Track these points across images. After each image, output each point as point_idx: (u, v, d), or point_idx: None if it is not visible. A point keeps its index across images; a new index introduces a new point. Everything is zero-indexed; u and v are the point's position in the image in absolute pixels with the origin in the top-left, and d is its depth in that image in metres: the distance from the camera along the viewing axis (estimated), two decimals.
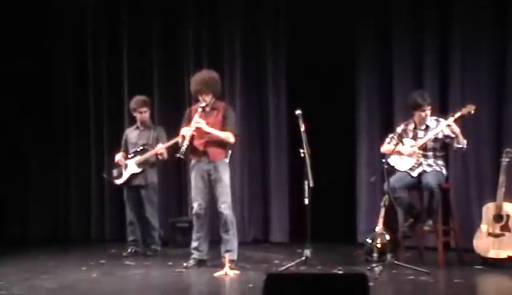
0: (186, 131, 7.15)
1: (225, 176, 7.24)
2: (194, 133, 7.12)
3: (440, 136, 7.20)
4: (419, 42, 8.41)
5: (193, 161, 7.29)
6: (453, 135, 7.10)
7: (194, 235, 7.35)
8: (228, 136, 7.22)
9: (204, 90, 7.21)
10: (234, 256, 7.20)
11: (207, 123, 7.17)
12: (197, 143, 7.20)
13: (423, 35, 8.39)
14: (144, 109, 8.41)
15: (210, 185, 7.23)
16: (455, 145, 7.14)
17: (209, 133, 7.15)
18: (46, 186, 10.32)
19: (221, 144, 7.24)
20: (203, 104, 7.21)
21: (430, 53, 8.32)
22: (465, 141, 7.12)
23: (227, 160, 7.30)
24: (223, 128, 7.22)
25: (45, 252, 8.65)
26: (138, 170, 8.28)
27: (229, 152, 7.36)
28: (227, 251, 7.14)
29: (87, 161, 10.14)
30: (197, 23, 9.57)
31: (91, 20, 10.18)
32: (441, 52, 8.28)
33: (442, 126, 7.12)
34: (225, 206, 7.19)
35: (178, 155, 7.15)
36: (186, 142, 7.09)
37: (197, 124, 7.12)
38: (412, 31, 8.47)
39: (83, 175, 10.20)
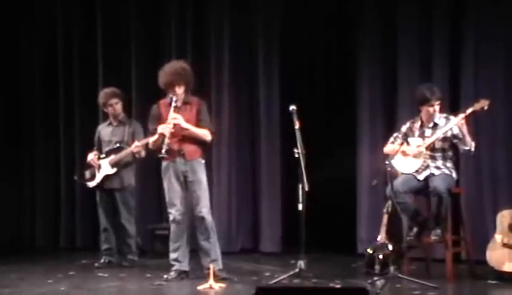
0: (164, 129, 7.14)
1: (203, 177, 7.30)
2: (173, 130, 7.12)
3: (449, 134, 7.18)
4: (427, 29, 8.38)
5: (165, 163, 7.29)
6: (461, 135, 7.08)
7: (173, 245, 7.35)
8: (205, 134, 7.29)
9: (176, 82, 7.22)
10: (220, 265, 7.25)
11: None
12: (172, 141, 7.18)
13: (431, 21, 8.36)
14: (115, 100, 8.37)
15: (187, 188, 7.23)
16: (462, 147, 7.15)
17: (184, 130, 7.16)
18: (8, 188, 10.25)
19: (197, 142, 7.29)
20: (175, 98, 7.21)
21: (440, 41, 8.29)
22: (473, 143, 7.11)
23: (203, 161, 7.36)
24: (197, 124, 7.27)
25: (7, 263, 8.57)
26: (112, 171, 8.25)
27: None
28: (212, 261, 7.15)
29: (56, 162, 10.15)
30: (181, 11, 9.56)
31: (61, 8, 10.15)
32: (452, 40, 8.24)
33: (453, 124, 7.09)
34: (206, 211, 7.25)
35: (160, 156, 7.13)
36: (166, 140, 7.08)
37: (175, 120, 7.12)
38: (420, 17, 8.43)
39: (51, 177, 10.19)
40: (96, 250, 8.61)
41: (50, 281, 7.44)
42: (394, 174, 7.14)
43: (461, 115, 7.04)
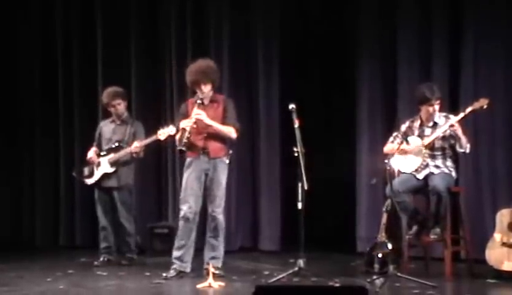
0: (185, 124, 7.13)
1: (223, 177, 7.28)
2: (195, 125, 7.10)
3: (448, 133, 7.16)
4: (427, 28, 8.37)
5: (189, 159, 7.27)
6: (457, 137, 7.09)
7: (178, 243, 7.30)
8: (230, 131, 7.27)
9: (202, 80, 7.21)
10: (220, 263, 7.25)
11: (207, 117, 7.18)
12: (196, 138, 7.18)
13: (431, 20, 8.35)
14: (118, 101, 8.37)
15: (205, 187, 7.22)
16: (458, 148, 7.15)
17: (209, 127, 7.15)
18: (8, 186, 10.25)
19: (222, 140, 7.27)
20: (201, 96, 7.20)
21: (439, 40, 8.27)
22: (468, 145, 7.11)
23: (227, 161, 7.33)
24: (223, 121, 7.25)
25: (6, 262, 8.56)
26: (111, 170, 8.25)
27: (230, 152, 7.38)
28: (212, 258, 7.18)
29: (55, 162, 10.16)
30: (181, 11, 9.56)
31: (61, 7, 10.15)
32: (452, 40, 8.23)
33: (450, 123, 7.06)
34: (219, 211, 7.25)
35: (179, 148, 7.14)
36: (186, 134, 7.07)
37: (198, 115, 7.11)
38: (419, 16, 8.42)
39: (51, 176, 10.19)
40: (95, 248, 8.61)
41: (49, 279, 7.43)
42: (393, 174, 7.12)
43: (461, 114, 7.05)
